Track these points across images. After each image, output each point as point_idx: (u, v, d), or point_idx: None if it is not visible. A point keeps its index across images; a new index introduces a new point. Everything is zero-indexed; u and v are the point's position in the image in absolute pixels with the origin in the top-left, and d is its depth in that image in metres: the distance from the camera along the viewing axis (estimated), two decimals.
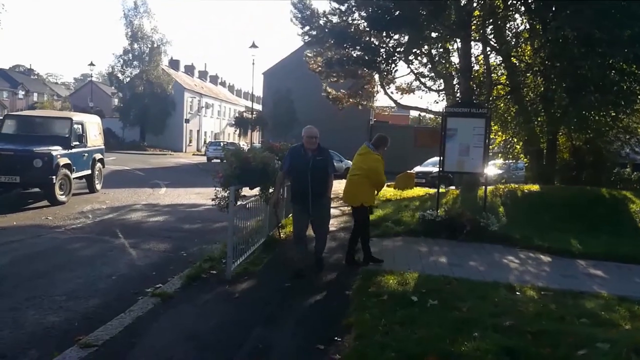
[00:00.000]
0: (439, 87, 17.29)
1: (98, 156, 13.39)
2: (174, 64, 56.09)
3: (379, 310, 4.30)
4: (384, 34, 14.61)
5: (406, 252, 7.20)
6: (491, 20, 13.04)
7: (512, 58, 13.53)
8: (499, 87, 14.58)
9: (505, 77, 14.45)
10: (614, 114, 12.13)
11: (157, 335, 4.02)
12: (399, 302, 4.54)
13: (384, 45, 15.28)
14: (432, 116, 23.81)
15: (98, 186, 13.39)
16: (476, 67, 14.87)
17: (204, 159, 36.62)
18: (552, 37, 10.73)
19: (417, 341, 3.61)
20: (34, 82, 73.69)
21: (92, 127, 13.28)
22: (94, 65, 48.30)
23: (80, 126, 12.34)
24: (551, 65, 11.60)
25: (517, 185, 12.29)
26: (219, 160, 29.85)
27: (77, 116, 13.04)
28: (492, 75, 14.33)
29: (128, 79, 45.20)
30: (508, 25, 14.13)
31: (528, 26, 13.84)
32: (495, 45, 13.59)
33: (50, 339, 3.97)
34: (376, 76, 17.51)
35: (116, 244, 7.52)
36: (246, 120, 42.04)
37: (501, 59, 14.09)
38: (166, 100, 45.53)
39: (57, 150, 10.80)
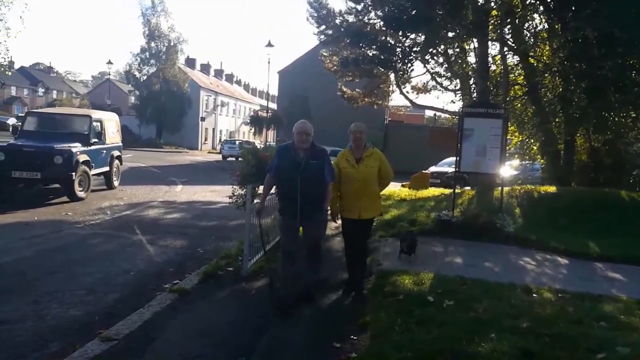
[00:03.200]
0: (455, 87, 17.22)
1: (116, 153, 13.57)
2: (190, 62, 56.53)
3: (395, 309, 4.31)
4: (400, 34, 14.55)
5: (422, 252, 7.17)
6: (509, 20, 12.91)
7: (530, 58, 13.40)
8: (516, 87, 14.46)
9: (522, 77, 14.31)
10: (635, 115, 11.95)
11: (175, 330, 4.09)
12: (414, 302, 4.54)
13: (400, 45, 15.23)
14: (447, 116, 23.66)
15: (116, 183, 13.57)
16: (493, 67, 14.76)
17: (219, 157, 36.86)
18: (571, 37, 10.59)
19: (433, 341, 3.61)
20: (53, 80, 74.94)
21: (110, 124, 13.47)
22: (111, 63, 49.13)
23: (98, 123, 12.52)
24: (570, 65, 11.45)
25: (533, 187, 12.17)
26: (234, 158, 30.05)
27: (96, 114, 13.23)
28: (510, 75, 14.20)
29: (145, 77, 45.69)
30: (526, 25, 13.99)
31: (547, 26, 13.68)
32: (513, 45, 13.48)
33: (72, 331, 4.06)
34: (392, 75, 17.46)
35: (134, 240, 7.63)
36: (261, 118, 42.23)
37: (519, 59, 13.96)
38: (182, 99, 45.91)
39: (76, 147, 10.98)
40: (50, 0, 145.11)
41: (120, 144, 14.32)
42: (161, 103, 44.36)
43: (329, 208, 4.94)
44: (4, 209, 9.21)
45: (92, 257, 6.47)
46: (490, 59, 14.05)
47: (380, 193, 5.51)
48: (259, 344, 3.89)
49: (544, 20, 13.78)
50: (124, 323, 4.13)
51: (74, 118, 12.54)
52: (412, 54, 15.13)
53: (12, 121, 44.67)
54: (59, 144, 10.68)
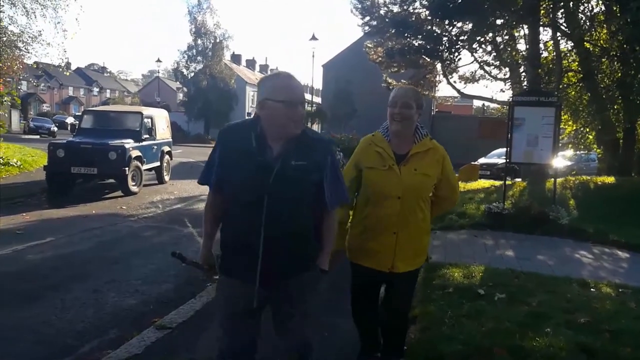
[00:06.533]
0: (504, 75, 16.72)
1: (166, 149, 13.98)
2: (236, 58, 57.51)
3: (445, 302, 4.24)
4: (447, 22, 14.26)
5: (471, 245, 7.04)
6: (562, 4, 12.37)
7: (585, 43, 12.81)
8: (570, 74, 13.88)
9: (577, 63, 13.71)
10: None
11: None
12: (464, 294, 4.45)
13: (447, 34, 14.92)
14: (496, 106, 22.99)
15: (166, 177, 13.98)
16: (545, 54, 14.22)
17: None
18: (631, 19, 10.03)
19: (485, 334, 3.53)
20: (106, 80, 78.18)
21: (161, 121, 13.88)
22: (160, 61, 50.49)
23: (149, 120, 12.93)
24: (630, 49, 10.86)
25: (589, 177, 11.66)
26: None
27: (147, 110, 13.66)
28: (563, 61, 13.63)
29: (192, 74, 46.75)
30: (581, 8, 13.36)
31: (604, 8, 13.03)
32: (567, 30, 12.91)
33: (129, 319, 4.24)
34: (438, 65, 17.15)
35: (185, 232, 7.86)
36: (306, 112, 42.41)
37: (573, 44, 13.38)
38: (229, 94, 46.73)
39: (129, 143, 11.38)
40: (101, 2, 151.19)
41: (170, 139, 14.72)
42: (208, 99, 45.32)
43: (328, 264, 2.33)
44: (65, 203, 9.72)
45: (146, 249, 6.72)
46: (541, 45, 13.53)
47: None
48: None
49: (600, 2, 13.13)
50: (177, 312, 4.27)
51: (127, 115, 13.01)
52: (459, 42, 14.79)
53: (70, 120, 47.04)
54: (113, 141, 11.12)
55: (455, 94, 18.83)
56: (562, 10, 12.81)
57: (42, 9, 15.50)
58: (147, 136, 12.53)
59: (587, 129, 14.16)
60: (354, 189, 2.81)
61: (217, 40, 46.47)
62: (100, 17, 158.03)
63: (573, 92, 14.10)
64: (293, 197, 2.11)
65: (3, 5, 14.82)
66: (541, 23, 12.61)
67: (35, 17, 15.55)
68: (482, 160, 19.74)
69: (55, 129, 38.15)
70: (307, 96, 50.31)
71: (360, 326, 3.10)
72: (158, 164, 13.39)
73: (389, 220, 2.68)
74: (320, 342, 3.69)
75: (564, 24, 13.04)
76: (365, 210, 2.76)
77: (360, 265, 2.81)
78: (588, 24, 13.26)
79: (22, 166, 14.34)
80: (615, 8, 11.90)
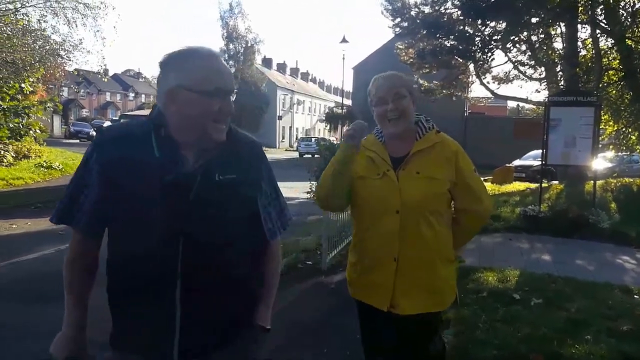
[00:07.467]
0: (540, 75, 16.33)
1: None
2: (267, 62, 58.04)
3: (479, 306, 4.16)
4: (480, 22, 14.06)
5: (506, 248, 6.89)
6: (602, 0, 11.99)
7: (627, 40, 12.36)
8: (611, 72, 13.42)
9: (618, 61, 13.25)
10: None
11: None
12: (499, 299, 4.36)
13: (479, 34, 14.70)
14: (532, 106, 22.45)
15: None
16: (583, 52, 13.80)
17: (296, 155, 37.57)
18: None
19: (521, 340, 3.45)
20: (141, 85, 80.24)
21: None
22: None
23: None
24: None
25: (632, 180, 11.26)
26: (310, 156, 30.53)
27: None
28: (603, 59, 13.20)
29: None
30: (622, 4, 12.90)
31: None
32: (607, 27, 12.49)
33: None
34: (471, 66, 16.89)
35: None
36: (336, 115, 42.50)
37: (613, 41, 12.93)
38: (260, 98, 47.26)
39: None
40: (135, 9, 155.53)
41: None
42: (240, 103, 45.90)
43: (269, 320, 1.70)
44: None
45: None
46: (579, 43, 13.16)
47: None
48: (341, 335, 3.93)
49: None
50: None
51: None
52: (493, 42, 14.55)
53: (107, 124, 48.54)
54: None
55: (489, 94, 18.51)
56: (602, 6, 12.41)
57: (82, 18, 16.13)
58: None
59: (630, 129, 13.65)
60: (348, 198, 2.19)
61: (249, 45, 47.06)
62: (133, 23, 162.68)
63: (614, 91, 13.64)
64: (221, 228, 1.42)
65: (46, 16, 15.45)
66: (579, 20, 12.26)
67: (76, 26, 16.22)
68: (516, 162, 19.33)
69: (94, 133, 39.40)
70: (338, 99, 50.40)
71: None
72: None
73: (386, 243, 2.04)
74: (332, 343, 3.70)
75: (604, 21, 12.62)
76: (359, 232, 2.18)
77: (359, 302, 2.20)
78: (630, 20, 12.79)
79: (63, 169, 14.88)
80: None
